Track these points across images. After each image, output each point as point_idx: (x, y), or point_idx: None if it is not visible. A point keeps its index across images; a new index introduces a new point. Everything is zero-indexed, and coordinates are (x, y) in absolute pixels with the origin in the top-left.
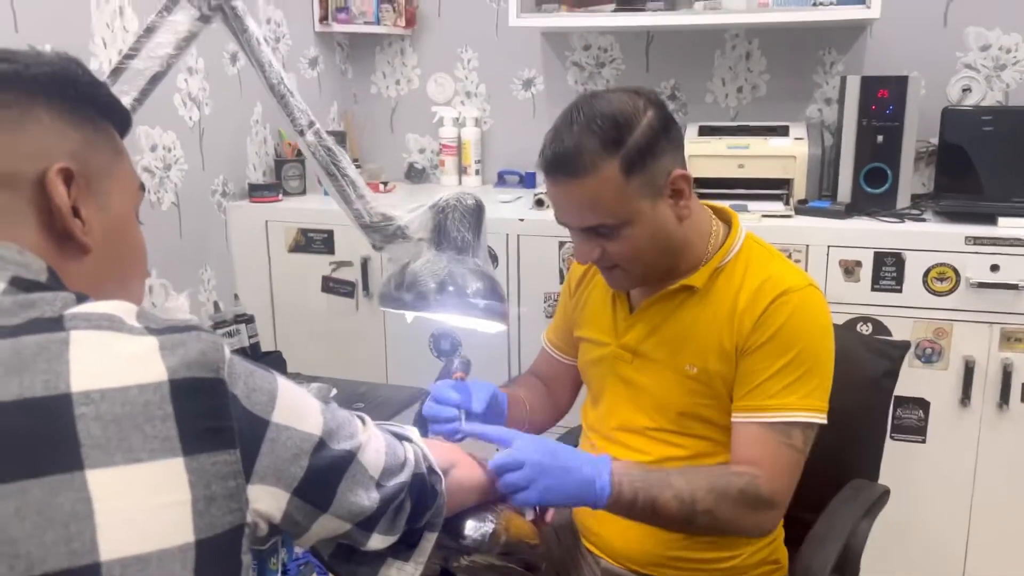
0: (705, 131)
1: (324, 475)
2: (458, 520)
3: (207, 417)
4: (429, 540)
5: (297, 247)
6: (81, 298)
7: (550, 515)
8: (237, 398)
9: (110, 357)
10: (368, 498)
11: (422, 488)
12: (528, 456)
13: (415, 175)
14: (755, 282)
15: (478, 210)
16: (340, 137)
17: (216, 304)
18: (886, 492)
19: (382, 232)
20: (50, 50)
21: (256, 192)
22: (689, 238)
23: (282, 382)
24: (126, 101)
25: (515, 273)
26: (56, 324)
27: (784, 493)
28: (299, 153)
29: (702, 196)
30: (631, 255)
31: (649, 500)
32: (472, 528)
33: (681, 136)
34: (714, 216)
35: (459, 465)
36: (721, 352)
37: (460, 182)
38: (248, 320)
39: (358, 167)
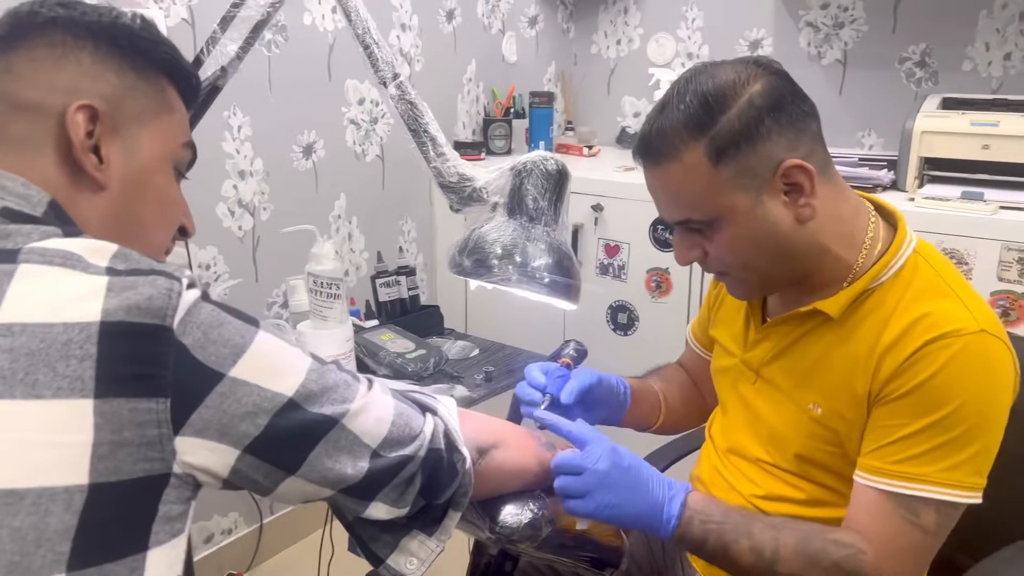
0: (950, 104)
1: (290, 436)
2: (498, 504)
3: (135, 363)
4: (452, 519)
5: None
6: (72, 234)
7: None
8: (185, 348)
9: (50, 293)
10: (353, 466)
11: (437, 464)
12: (593, 464)
13: (626, 140)
14: (909, 317)
15: (559, 176)
16: (549, 98)
17: (379, 254)
18: None
19: (459, 193)
20: (128, 11)
21: (461, 149)
22: (823, 243)
23: (262, 339)
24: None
25: None
26: (11, 256)
27: None
28: (507, 113)
29: (934, 179)
30: (735, 261)
31: (721, 545)
32: (508, 514)
33: (806, 117)
34: (877, 218)
35: (504, 446)
36: (852, 396)
37: None
38: (409, 272)
39: (570, 129)
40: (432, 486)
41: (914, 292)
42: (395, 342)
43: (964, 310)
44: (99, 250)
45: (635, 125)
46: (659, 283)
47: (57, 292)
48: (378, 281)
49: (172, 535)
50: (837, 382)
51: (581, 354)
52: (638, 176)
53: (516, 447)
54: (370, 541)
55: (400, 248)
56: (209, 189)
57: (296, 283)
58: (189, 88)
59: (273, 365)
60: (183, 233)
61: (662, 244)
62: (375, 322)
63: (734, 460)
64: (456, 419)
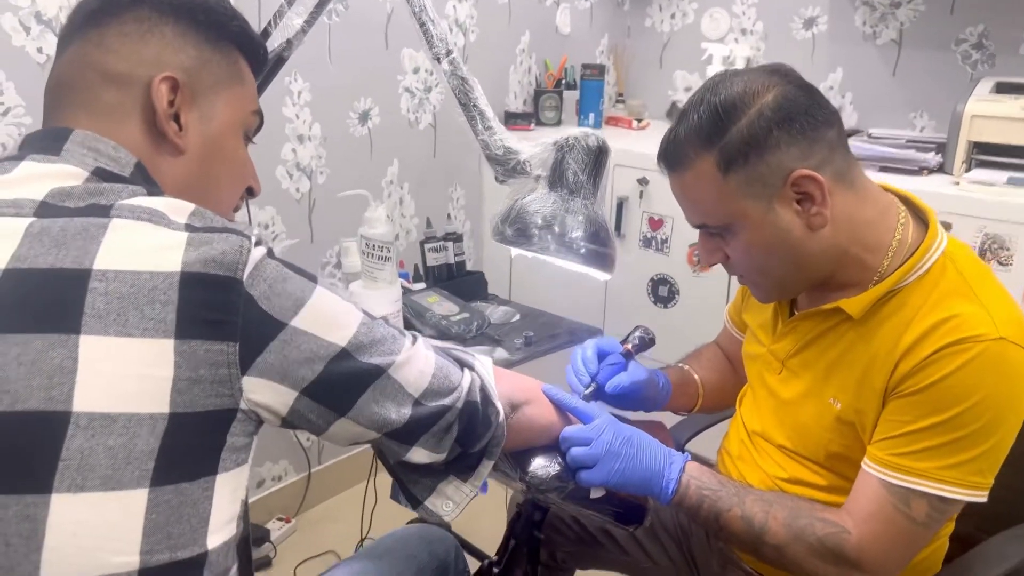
0: (1004, 88)
1: (343, 382)
2: (527, 456)
3: (210, 309)
4: (485, 466)
5: None
6: (154, 193)
7: None
8: (253, 298)
9: (138, 245)
10: (397, 412)
11: (472, 415)
12: (599, 435)
13: (675, 114)
14: (931, 319)
15: (599, 152)
16: (600, 70)
17: (428, 220)
18: None
19: (504, 165)
20: None
21: (511, 120)
22: (842, 247)
23: (320, 294)
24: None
25: None
26: (105, 211)
27: (882, 562)
28: (558, 84)
29: (982, 164)
30: (751, 265)
31: (714, 512)
32: (537, 466)
33: (820, 126)
34: (907, 218)
35: (535, 403)
36: (871, 392)
37: None
38: (456, 239)
39: (621, 101)
40: (468, 435)
41: (939, 295)
42: (441, 305)
43: (986, 316)
44: (179, 208)
45: (686, 99)
46: (700, 258)
47: (144, 244)
48: (427, 246)
49: (237, 464)
50: (857, 378)
51: (644, 343)
52: None
53: (546, 405)
54: (410, 484)
55: (448, 215)
56: (269, 152)
57: (349, 245)
58: (257, 59)
59: (329, 317)
60: (250, 193)
61: None
62: (422, 285)
63: (760, 443)
64: (491, 376)
